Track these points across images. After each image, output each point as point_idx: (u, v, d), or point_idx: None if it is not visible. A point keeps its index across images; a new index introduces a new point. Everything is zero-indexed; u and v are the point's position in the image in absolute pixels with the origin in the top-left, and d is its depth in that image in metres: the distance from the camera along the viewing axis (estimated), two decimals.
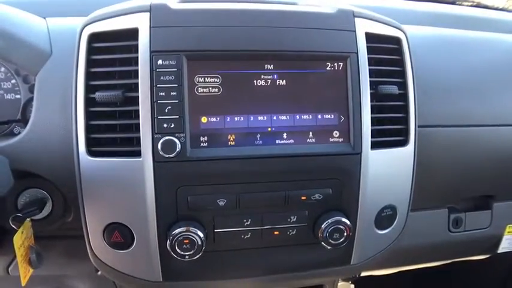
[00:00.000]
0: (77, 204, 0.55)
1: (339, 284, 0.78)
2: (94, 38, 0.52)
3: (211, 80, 0.52)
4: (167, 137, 0.50)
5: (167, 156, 0.50)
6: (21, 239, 0.58)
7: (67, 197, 0.59)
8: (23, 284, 0.60)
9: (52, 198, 0.61)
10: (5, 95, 0.67)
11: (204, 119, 0.52)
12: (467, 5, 0.94)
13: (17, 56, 0.56)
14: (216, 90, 0.52)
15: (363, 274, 0.82)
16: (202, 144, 0.52)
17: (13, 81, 0.66)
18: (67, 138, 0.54)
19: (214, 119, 0.52)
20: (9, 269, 0.68)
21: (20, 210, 0.59)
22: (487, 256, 0.89)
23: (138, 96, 0.51)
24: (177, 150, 0.50)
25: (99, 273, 0.67)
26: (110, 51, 0.52)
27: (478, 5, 0.94)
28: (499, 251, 0.82)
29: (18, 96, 0.67)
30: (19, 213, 0.57)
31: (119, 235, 0.53)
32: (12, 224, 0.56)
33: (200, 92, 0.52)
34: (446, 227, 0.76)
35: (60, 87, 0.56)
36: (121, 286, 0.73)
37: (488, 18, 0.89)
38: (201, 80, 0.52)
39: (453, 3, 0.96)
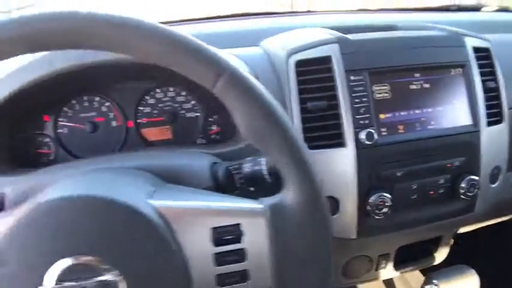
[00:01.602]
0: None
1: None
2: (299, 63, 0.72)
3: (383, 88, 0.74)
4: (368, 130, 0.70)
5: (367, 143, 0.71)
6: None
7: None
8: None
9: None
10: (186, 113, 0.85)
11: (381, 116, 0.73)
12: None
13: None
14: (387, 95, 0.74)
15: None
16: (383, 133, 0.73)
17: (192, 102, 0.84)
18: None
19: (388, 115, 0.74)
20: None
21: None
22: None
23: (337, 104, 0.71)
24: (375, 139, 0.71)
25: None
26: (312, 73, 0.72)
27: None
28: None
29: (197, 114, 0.84)
30: None
31: (329, 205, 0.73)
32: None
33: (377, 97, 0.73)
34: None
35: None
36: None
37: None
38: (377, 88, 0.73)
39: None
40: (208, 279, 0.44)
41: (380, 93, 0.74)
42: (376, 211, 0.72)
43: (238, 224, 0.44)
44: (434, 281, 0.87)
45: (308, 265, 0.45)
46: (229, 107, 0.43)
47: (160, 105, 0.83)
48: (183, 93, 0.83)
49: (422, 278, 0.93)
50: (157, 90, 0.83)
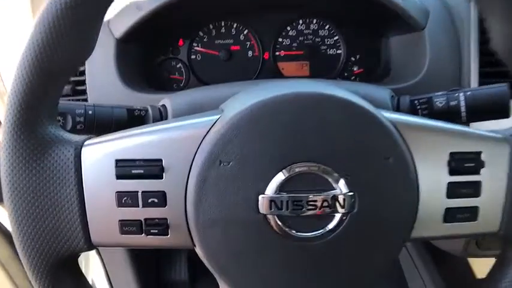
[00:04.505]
0: None
1: None
2: None
3: None
4: None
5: None
6: None
7: None
8: None
9: None
10: (327, 50, 0.78)
11: None
12: None
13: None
14: None
15: None
16: None
17: (336, 37, 0.77)
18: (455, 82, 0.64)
19: None
20: None
21: None
22: None
23: None
24: None
25: None
26: None
27: None
28: None
29: (339, 51, 0.77)
30: None
31: None
32: None
33: None
34: None
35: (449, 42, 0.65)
36: None
37: None
38: None
39: None
40: (436, 210, 0.38)
41: None
42: None
43: (479, 152, 0.38)
44: None
45: None
46: None
47: (301, 38, 0.76)
48: (327, 26, 0.76)
49: None
50: (300, 22, 0.76)
